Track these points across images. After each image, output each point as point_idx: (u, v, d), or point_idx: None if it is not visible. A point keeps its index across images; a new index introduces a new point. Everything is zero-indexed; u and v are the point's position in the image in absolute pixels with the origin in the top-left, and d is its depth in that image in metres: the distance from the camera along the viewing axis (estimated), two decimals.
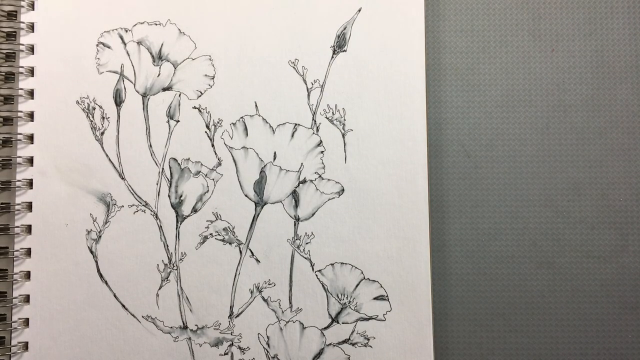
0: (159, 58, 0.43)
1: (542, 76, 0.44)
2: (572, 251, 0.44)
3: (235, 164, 0.43)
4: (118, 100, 0.43)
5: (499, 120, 0.44)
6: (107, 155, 0.43)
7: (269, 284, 0.42)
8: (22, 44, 0.43)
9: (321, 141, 0.43)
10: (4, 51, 0.43)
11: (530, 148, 0.44)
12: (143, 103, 0.43)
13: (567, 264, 0.44)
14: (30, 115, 0.43)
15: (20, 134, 0.42)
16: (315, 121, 0.43)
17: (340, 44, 0.43)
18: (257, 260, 0.42)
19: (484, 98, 0.44)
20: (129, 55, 0.43)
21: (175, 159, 0.43)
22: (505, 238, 0.44)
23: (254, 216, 0.42)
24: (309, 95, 0.43)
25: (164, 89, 0.43)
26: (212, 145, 0.43)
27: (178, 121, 0.43)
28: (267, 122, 0.43)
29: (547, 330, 0.43)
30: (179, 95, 0.43)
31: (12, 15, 0.43)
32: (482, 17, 0.45)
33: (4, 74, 0.43)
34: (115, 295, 0.42)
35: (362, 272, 0.42)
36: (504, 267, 0.44)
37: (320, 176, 0.42)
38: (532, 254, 0.44)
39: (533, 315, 0.43)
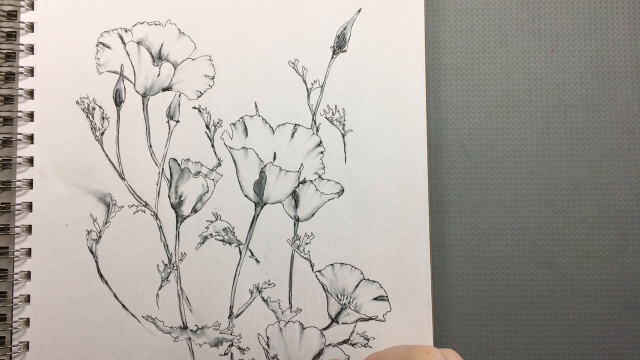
0: (158, 58, 0.43)
1: (542, 76, 0.44)
2: (572, 251, 0.44)
3: (235, 164, 0.43)
4: (118, 101, 0.43)
5: (499, 120, 0.44)
6: (107, 156, 0.43)
7: (269, 285, 0.42)
8: (22, 44, 0.43)
9: (321, 141, 0.43)
10: (4, 51, 0.43)
11: (530, 148, 0.44)
12: (143, 103, 0.43)
13: (567, 264, 0.44)
14: (30, 115, 0.43)
15: (20, 134, 0.42)
16: (315, 121, 0.43)
17: (340, 45, 0.43)
18: (257, 261, 0.42)
19: (484, 98, 0.44)
20: (128, 55, 0.43)
21: (175, 159, 0.43)
22: (505, 238, 0.44)
23: (254, 216, 0.42)
24: (308, 96, 0.43)
25: (164, 89, 0.43)
26: (212, 146, 0.43)
27: (178, 121, 0.43)
28: (267, 123, 0.43)
29: (547, 330, 0.43)
30: (179, 95, 0.43)
31: (12, 15, 0.43)
32: (482, 17, 0.45)
33: (4, 74, 0.43)
34: (115, 295, 0.42)
35: (361, 273, 0.42)
36: (504, 267, 0.44)
37: (320, 176, 0.42)
38: (532, 254, 0.44)
39: (533, 315, 0.43)
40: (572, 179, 0.44)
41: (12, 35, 0.43)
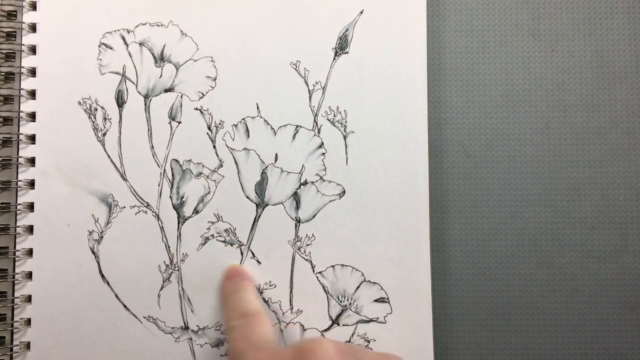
0: (160, 59, 0.43)
1: (542, 76, 0.45)
2: (572, 251, 0.44)
3: (237, 166, 0.43)
4: (120, 101, 0.43)
5: (499, 120, 0.44)
6: (109, 156, 0.43)
7: (270, 285, 0.42)
8: (24, 44, 0.43)
9: (322, 143, 0.43)
10: (4, 51, 0.43)
11: (530, 148, 0.44)
12: (145, 104, 0.43)
13: (567, 264, 0.44)
14: (32, 116, 0.43)
15: (22, 134, 0.42)
16: (316, 123, 0.43)
17: (342, 46, 0.43)
18: (258, 262, 0.42)
19: (484, 98, 0.44)
20: (131, 56, 0.43)
21: (176, 160, 0.43)
22: (505, 238, 0.44)
23: (255, 217, 0.43)
24: (310, 97, 0.43)
25: (166, 90, 0.43)
26: (214, 147, 0.43)
27: (180, 122, 0.43)
28: (268, 124, 0.43)
29: (547, 330, 0.43)
30: (181, 96, 0.43)
31: (12, 15, 0.43)
32: (482, 17, 0.45)
33: (3, 74, 0.43)
34: (116, 296, 0.42)
35: (362, 274, 0.42)
36: (504, 267, 0.44)
37: (321, 178, 0.43)
38: (532, 254, 0.44)
39: (533, 315, 0.43)
40: (572, 179, 0.44)
41: (12, 35, 0.43)
